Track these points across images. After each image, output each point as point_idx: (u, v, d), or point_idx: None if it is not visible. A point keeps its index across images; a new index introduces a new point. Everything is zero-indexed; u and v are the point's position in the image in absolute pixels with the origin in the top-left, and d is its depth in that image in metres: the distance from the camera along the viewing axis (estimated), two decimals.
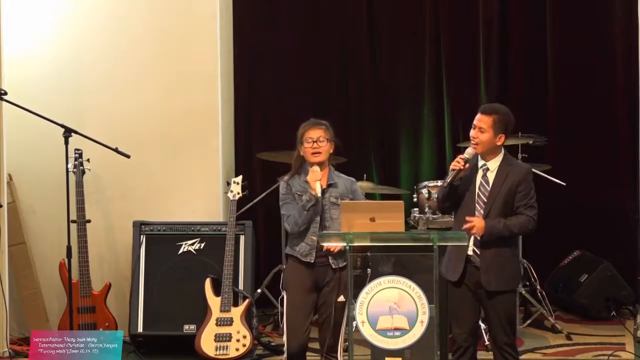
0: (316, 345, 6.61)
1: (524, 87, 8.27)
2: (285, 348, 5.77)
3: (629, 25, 7.79)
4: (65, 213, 6.79)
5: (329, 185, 5.74)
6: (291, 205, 5.72)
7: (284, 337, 5.79)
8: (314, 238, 5.66)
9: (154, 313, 7.04)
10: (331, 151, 5.77)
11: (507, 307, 5.57)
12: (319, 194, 5.64)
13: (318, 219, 5.70)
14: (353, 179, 5.87)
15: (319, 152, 5.70)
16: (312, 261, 5.68)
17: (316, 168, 5.69)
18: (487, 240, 5.47)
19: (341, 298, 5.67)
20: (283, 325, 5.84)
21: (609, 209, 8.12)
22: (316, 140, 5.70)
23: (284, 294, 5.88)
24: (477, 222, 5.43)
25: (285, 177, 5.81)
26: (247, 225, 7.16)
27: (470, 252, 5.51)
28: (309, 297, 5.72)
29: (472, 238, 5.49)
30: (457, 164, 5.49)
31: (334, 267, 5.68)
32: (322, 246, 5.59)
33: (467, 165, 5.53)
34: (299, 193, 5.71)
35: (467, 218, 5.46)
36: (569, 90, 8.23)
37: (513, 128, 5.62)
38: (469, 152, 5.53)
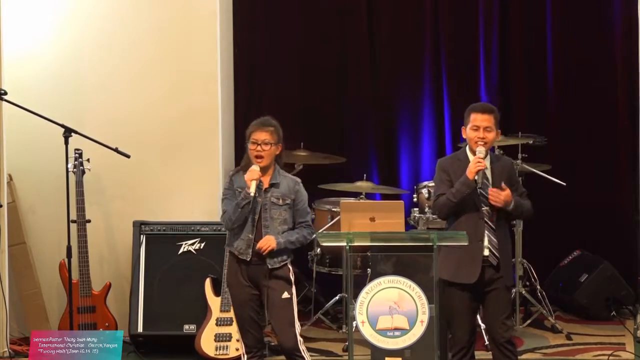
0: (312, 345, 6.64)
1: (524, 87, 8.27)
2: (241, 344, 5.79)
3: (629, 25, 7.78)
4: (65, 213, 6.79)
5: (271, 185, 5.72)
6: (230, 201, 5.71)
7: (238, 335, 5.81)
8: (251, 236, 5.66)
9: (154, 313, 7.04)
10: (277, 153, 5.74)
11: (508, 303, 5.63)
12: (252, 193, 5.61)
13: (256, 217, 5.68)
14: (298, 180, 5.82)
15: (262, 156, 5.68)
16: (248, 259, 5.67)
17: (255, 167, 5.66)
18: (500, 238, 5.52)
19: (285, 295, 5.67)
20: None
21: (609, 209, 8.12)
22: (260, 144, 5.68)
23: (227, 290, 5.88)
24: (508, 193, 5.49)
25: (231, 172, 5.82)
26: None
27: (486, 252, 5.52)
28: (249, 292, 5.71)
29: (486, 239, 5.50)
30: (480, 164, 5.49)
31: (270, 266, 5.68)
32: (257, 244, 5.63)
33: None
34: (239, 189, 5.69)
35: (503, 185, 5.50)
36: (569, 90, 8.23)
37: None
38: (482, 151, 5.53)
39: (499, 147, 7.32)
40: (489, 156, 5.61)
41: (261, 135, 5.68)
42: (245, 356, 5.79)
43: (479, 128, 5.54)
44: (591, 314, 7.69)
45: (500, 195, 5.48)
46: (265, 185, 5.70)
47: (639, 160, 7.65)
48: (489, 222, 5.52)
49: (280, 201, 5.69)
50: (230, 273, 5.80)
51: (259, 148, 5.67)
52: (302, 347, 5.70)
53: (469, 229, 5.47)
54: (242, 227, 5.69)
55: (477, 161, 5.48)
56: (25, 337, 7.12)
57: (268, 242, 5.63)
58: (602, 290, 7.67)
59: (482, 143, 5.53)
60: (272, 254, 5.66)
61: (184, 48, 7.39)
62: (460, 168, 5.56)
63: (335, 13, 8.29)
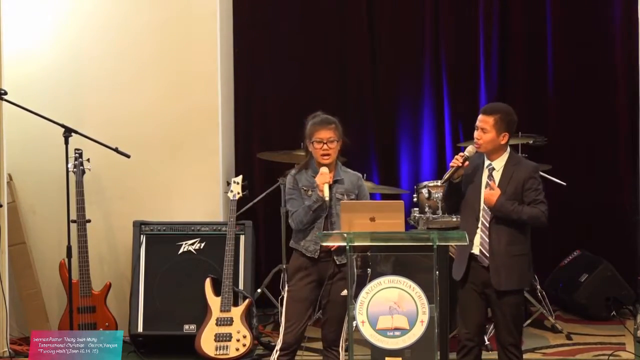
0: (314, 344, 6.62)
1: (524, 87, 8.27)
2: (280, 339, 5.75)
3: (630, 24, 7.79)
4: (65, 213, 6.79)
5: (335, 182, 5.74)
6: (297, 202, 5.73)
7: (281, 328, 5.78)
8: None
9: (154, 313, 7.04)
10: (339, 149, 5.77)
11: (514, 307, 5.57)
12: (327, 198, 5.63)
13: (323, 214, 5.71)
14: (359, 175, 5.88)
15: (329, 154, 5.70)
16: (317, 256, 5.69)
17: (325, 170, 5.68)
18: (498, 240, 5.48)
19: (344, 292, 5.68)
20: (281, 317, 5.83)
21: (609, 209, 8.12)
22: (326, 142, 5.70)
23: (285, 286, 5.84)
24: (494, 193, 5.44)
25: (293, 172, 5.82)
26: (247, 225, 7.16)
27: (476, 252, 5.51)
28: (311, 292, 5.73)
29: (478, 237, 5.50)
30: (455, 161, 5.52)
31: (338, 262, 5.69)
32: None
33: (467, 163, 5.54)
34: (305, 188, 5.72)
35: (492, 184, 5.48)
36: (569, 90, 8.23)
37: (516, 126, 5.64)
38: (469, 150, 5.56)
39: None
40: (507, 157, 5.56)
41: (326, 134, 5.70)
42: (277, 353, 5.75)
43: (478, 128, 5.55)
44: (591, 314, 7.69)
45: (491, 195, 5.49)
46: (330, 182, 5.71)
47: (639, 161, 7.65)
48: (484, 222, 5.52)
49: (345, 197, 5.71)
50: (293, 270, 5.78)
51: (325, 147, 5.69)
52: (342, 344, 5.74)
53: (465, 227, 5.53)
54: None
55: (455, 158, 5.53)
56: (25, 337, 7.12)
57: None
58: (602, 290, 7.67)
59: (477, 145, 5.54)
60: (339, 250, 5.66)
61: (184, 48, 7.39)
62: (472, 165, 5.58)
63: (335, 13, 8.29)
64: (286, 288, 5.82)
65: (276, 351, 5.77)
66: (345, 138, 5.80)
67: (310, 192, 5.70)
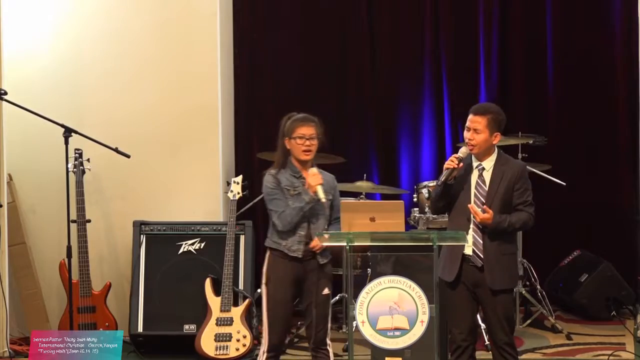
0: (308, 344, 6.61)
1: (524, 87, 8.28)
2: (264, 342, 5.74)
3: (630, 24, 7.80)
4: (65, 213, 6.79)
5: None
6: (281, 202, 5.66)
7: (264, 331, 5.75)
8: (302, 233, 5.64)
9: (154, 313, 7.04)
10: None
11: (506, 306, 5.58)
12: (324, 199, 5.58)
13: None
14: (333, 176, 5.84)
15: (310, 150, 5.67)
16: (301, 256, 5.66)
17: (315, 170, 5.66)
18: (490, 240, 5.47)
19: (325, 291, 5.68)
20: (262, 319, 5.80)
21: (609, 209, 8.12)
22: (308, 138, 5.66)
23: (263, 288, 5.77)
24: (488, 217, 5.41)
25: (273, 171, 5.75)
26: (247, 225, 7.16)
27: (469, 252, 5.50)
28: (290, 291, 5.71)
29: (471, 238, 5.49)
30: (451, 163, 5.50)
31: (320, 263, 5.68)
32: (309, 241, 5.60)
33: (461, 164, 5.53)
34: (287, 188, 5.67)
35: (485, 208, 5.43)
36: (569, 90, 8.24)
37: (505, 125, 5.64)
38: (463, 151, 5.55)
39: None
40: (495, 157, 5.56)
41: (308, 130, 5.67)
42: (265, 355, 5.74)
43: (469, 129, 5.54)
44: (591, 314, 7.69)
45: (477, 215, 5.46)
46: (322, 182, 5.67)
47: (639, 160, 7.65)
48: (477, 222, 5.51)
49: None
50: (272, 270, 5.73)
51: (307, 143, 5.66)
52: (329, 342, 5.74)
53: (457, 227, 5.49)
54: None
55: (450, 160, 5.50)
56: (25, 337, 7.12)
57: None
58: (602, 290, 7.67)
59: (470, 145, 5.53)
60: (323, 251, 5.66)
61: (184, 48, 7.39)
62: (462, 168, 5.56)
63: (335, 13, 8.29)
64: (264, 290, 5.76)
65: (263, 352, 5.76)
66: (323, 138, 5.75)
67: (292, 192, 5.66)
